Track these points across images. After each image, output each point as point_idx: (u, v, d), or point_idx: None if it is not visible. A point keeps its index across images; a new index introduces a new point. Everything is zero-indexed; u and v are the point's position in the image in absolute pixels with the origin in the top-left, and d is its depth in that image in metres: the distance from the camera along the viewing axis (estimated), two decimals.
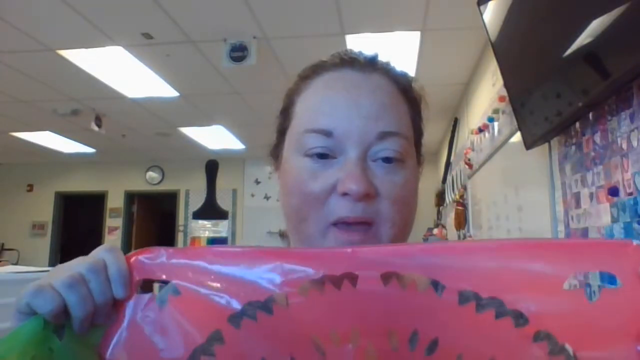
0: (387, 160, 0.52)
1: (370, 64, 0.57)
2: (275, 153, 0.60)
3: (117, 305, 0.43)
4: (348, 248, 0.42)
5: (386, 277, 0.40)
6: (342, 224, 0.51)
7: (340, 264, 0.41)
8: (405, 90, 0.57)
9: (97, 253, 0.45)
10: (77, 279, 0.41)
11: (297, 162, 0.54)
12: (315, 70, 0.58)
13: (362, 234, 0.51)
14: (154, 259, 0.44)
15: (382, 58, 0.59)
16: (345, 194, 0.50)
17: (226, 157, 7.37)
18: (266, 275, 0.42)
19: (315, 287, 0.41)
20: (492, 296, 0.39)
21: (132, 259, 0.44)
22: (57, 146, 6.57)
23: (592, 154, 1.62)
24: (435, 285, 0.40)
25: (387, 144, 0.52)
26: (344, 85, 0.54)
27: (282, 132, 0.59)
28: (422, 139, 0.62)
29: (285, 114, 0.59)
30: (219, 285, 0.42)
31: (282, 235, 6.19)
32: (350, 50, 0.59)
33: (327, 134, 0.52)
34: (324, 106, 0.53)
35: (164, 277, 0.43)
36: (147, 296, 0.43)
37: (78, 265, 0.43)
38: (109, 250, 0.45)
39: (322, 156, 0.52)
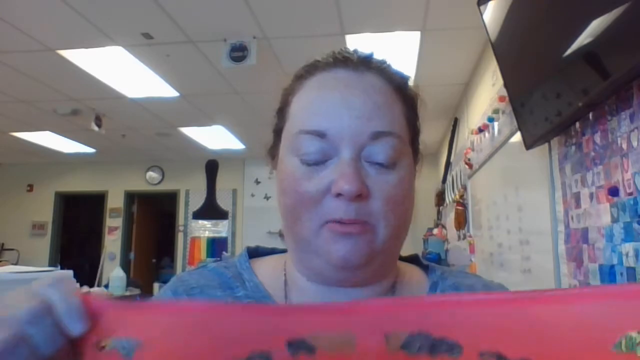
0: (380, 162, 0.52)
1: (364, 63, 0.56)
2: (272, 153, 0.61)
3: None
4: (345, 304, 0.37)
5: (390, 339, 0.34)
6: (336, 223, 0.51)
7: (335, 320, 0.36)
8: (399, 89, 0.57)
9: (39, 290, 0.39)
10: (15, 340, 0.35)
11: (291, 162, 0.54)
12: (309, 70, 0.58)
13: (360, 228, 0.51)
14: (112, 311, 0.40)
15: (378, 56, 0.59)
16: (339, 195, 0.50)
17: (226, 157, 7.37)
18: (243, 333, 0.37)
19: (305, 351, 0.35)
20: (521, 357, 0.32)
21: (89, 308, 0.39)
22: (57, 146, 6.57)
23: (592, 154, 1.62)
24: (450, 347, 0.34)
25: (380, 144, 0.52)
26: (337, 85, 0.54)
27: (278, 132, 0.59)
28: (419, 137, 0.61)
29: (281, 114, 0.59)
30: (189, 342, 0.38)
31: (282, 235, 6.18)
32: (345, 49, 0.58)
33: (321, 135, 0.51)
34: (317, 106, 0.53)
35: (126, 332, 0.39)
36: (108, 353, 0.39)
37: (17, 312, 0.36)
38: (53, 285, 0.39)
39: (315, 162, 0.52)
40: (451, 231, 4.70)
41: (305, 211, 0.52)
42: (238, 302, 0.45)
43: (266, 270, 0.61)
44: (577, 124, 1.72)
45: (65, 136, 6.06)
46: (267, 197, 7.33)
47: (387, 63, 0.59)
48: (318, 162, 0.52)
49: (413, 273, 0.63)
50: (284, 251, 0.64)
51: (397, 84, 0.57)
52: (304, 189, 0.51)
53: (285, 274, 0.60)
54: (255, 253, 0.65)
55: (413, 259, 0.66)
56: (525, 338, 0.32)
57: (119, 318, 0.40)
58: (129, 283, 4.97)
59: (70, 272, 2.11)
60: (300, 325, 0.37)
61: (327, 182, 0.51)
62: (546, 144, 2.05)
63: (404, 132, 0.55)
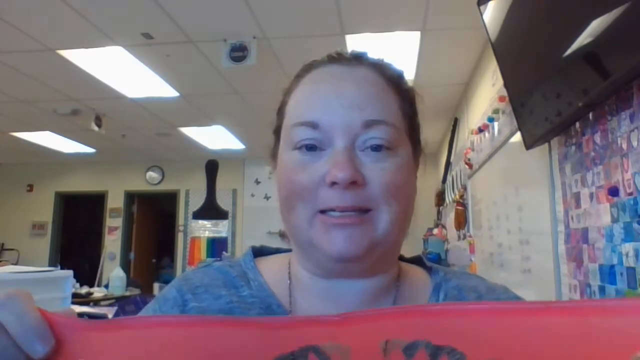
0: (375, 148, 0.51)
1: (357, 59, 0.57)
2: (273, 153, 0.61)
3: None
4: (337, 316, 0.34)
5: (387, 345, 0.32)
6: (329, 216, 0.51)
7: (327, 331, 0.33)
8: (394, 82, 0.57)
9: None
10: None
11: (288, 156, 0.54)
12: (305, 69, 0.59)
13: (356, 219, 0.50)
14: (81, 331, 0.36)
15: (373, 55, 0.59)
16: (333, 184, 0.50)
17: (226, 157, 7.37)
18: (229, 349, 0.34)
19: None
20: None
21: (54, 327, 0.36)
22: (57, 146, 6.57)
23: (592, 154, 1.62)
24: (453, 355, 0.31)
25: (373, 133, 0.51)
26: (329, 79, 0.55)
27: (277, 132, 0.60)
28: (420, 133, 0.61)
29: (279, 114, 0.60)
30: None
31: (282, 235, 6.18)
32: (341, 49, 0.59)
33: (314, 125, 0.52)
34: (310, 100, 0.54)
35: (96, 355, 0.35)
36: None
37: None
38: (3, 304, 0.35)
39: (311, 148, 0.52)
40: (451, 231, 4.70)
41: (300, 201, 0.52)
42: (222, 316, 0.42)
43: (271, 269, 0.61)
44: (577, 124, 1.72)
45: (65, 136, 6.06)
46: (267, 197, 7.33)
47: (382, 60, 0.59)
48: (312, 150, 0.52)
49: (416, 273, 0.62)
50: (288, 251, 0.64)
51: (390, 77, 0.57)
52: (298, 178, 0.52)
53: (289, 272, 0.60)
54: (259, 252, 0.65)
55: (416, 260, 0.66)
56: (533, 349, 0.30)
57: (88, 339, 0.36)
58: (129, 283, 4.98)
59: (70, 272, 2.11)
60: (290, 340, 0.34)
61: (322, 173, 0.51)
62: (546, 144, 2.05)
63: (399, 122, 0.55)
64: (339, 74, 0.55)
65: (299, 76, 0.59)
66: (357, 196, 0.50)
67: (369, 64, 0.57)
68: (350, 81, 0.54)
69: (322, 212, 0.51)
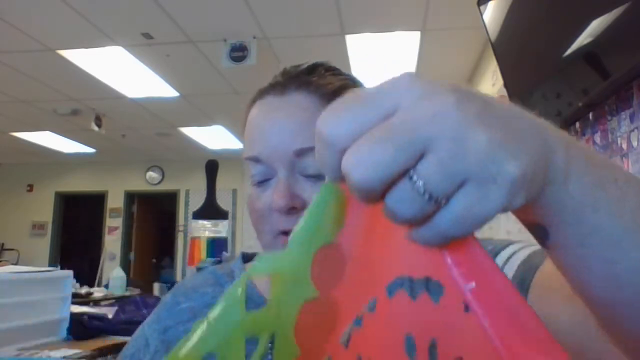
0: (312, 175, 0.56)
1: (292, 82, 0.60)
2: None
3: None
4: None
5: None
6: (285, 235, 0.56)
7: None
8: (329, 98, 0.58)
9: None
10: None
11: (249, 189, 0.61)
12: (253, 98, 0.64)
13: None
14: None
15: (314, 67, 0.62)
16: (278, 210, 0.55)
17: (226, 157, 7.38)
18: None
19: None
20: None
21: None
22: (57, 146, 6.57)
23: None
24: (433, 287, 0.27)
25: (306, 160, 0.56)
26: (266, 110, 0.60)
27: None
28: None
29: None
30: None
31: None
32: (283, 70, 0.63)
33: (256, 160, 0.58)
34: (251, 134, 0.60)
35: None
36: None
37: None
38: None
39: (260, 182, 0.58)
40: None
41: (261, 226, 0.59)
42: None
43: None
44: (577, 124, 1.72)
45: (65, 136, 6.07)
46: None
47: (329, 70, 0.62)
48: (262, 182, 0.58)
49: None
50: None
51: (326, 93, 0.59)
52: (255, 207, 0.59)
53: None
54: (250, 258, 0.71)
55: None
56: None
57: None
58: (129, 283, 4.97)
59: (70, 272, 2.11)
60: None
61: (270, 200, 0.57)
62: None
63: None
64: (272, 105, 0.60)
65: (249, 105, 0.64)
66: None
67: (304, 86, 0.59)
68: (282, 112, 0.58)
69: (283, 233, 0.56)
